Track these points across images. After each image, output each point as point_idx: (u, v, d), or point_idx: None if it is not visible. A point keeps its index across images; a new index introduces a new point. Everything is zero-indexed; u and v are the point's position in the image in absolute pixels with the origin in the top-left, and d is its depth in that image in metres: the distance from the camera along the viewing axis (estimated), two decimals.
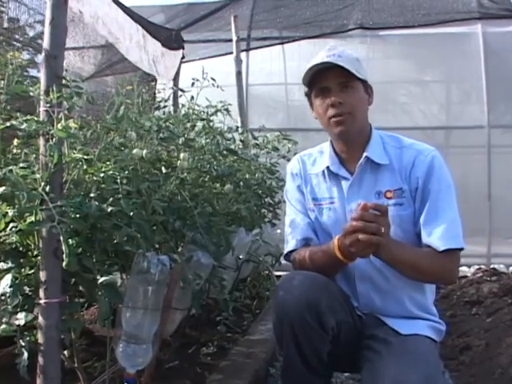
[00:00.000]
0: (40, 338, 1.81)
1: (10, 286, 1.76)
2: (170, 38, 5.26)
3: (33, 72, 3.42)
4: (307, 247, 2.16)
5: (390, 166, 2.07)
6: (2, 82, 2.09)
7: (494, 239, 6.14)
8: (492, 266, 5.70)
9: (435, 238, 1.96)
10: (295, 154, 2.40)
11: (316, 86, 2.08)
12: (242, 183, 3.45)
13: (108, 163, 2.08)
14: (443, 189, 2.01)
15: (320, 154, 2.25)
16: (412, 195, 2.04)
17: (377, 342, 1.97)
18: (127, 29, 4.27)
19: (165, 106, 3.04)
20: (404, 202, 2.04)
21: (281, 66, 6.82)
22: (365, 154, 2.08)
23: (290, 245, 2.22)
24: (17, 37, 4.36)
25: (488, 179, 6.11)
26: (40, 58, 1.84)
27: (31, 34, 4.30)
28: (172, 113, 3.25)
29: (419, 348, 1.91)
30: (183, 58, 5.54)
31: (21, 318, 1.84)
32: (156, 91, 4.07)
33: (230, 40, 5.57)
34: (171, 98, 3.48)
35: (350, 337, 2.02)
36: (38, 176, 1.77)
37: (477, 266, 5.67)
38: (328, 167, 2.16)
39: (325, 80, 2.04)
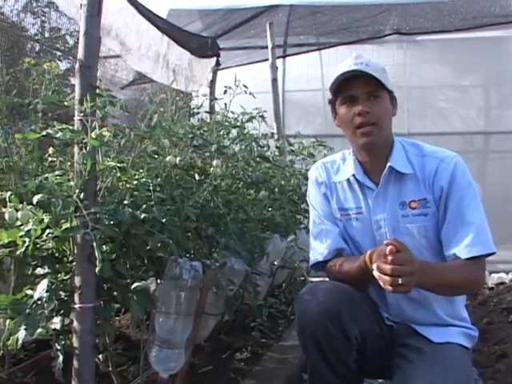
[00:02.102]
0: (75, 341, 1.84)
1: (47, 291, 1.80)
2: (206, 46, 5.31)
3: (74, 81, 3.50)
4: (340, 258, 2.12)
5: (414, 175, 2.03)
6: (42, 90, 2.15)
7: None
8: None
9: (461, 246, 1.92)
10: None
11: (342, 93, 2.04)
12: (276, 189, 3.47)
13: (141, 171, 2.12)
14: (467, 195, 1.96)
15: (343, 161, 2.21)
16: (436, 204, 2.00)
17: (409, 351, 1.95)
18: (148, 38, 4.31)
19: (198, 113, 3.06)
20: (429, 212, 2.00)
21: (318, 72, 6.83)
22: (388, 164, 2.04)
23: (319, 254, 2.17)
24: (58, 46, 4.46)
25: None
26: None
27: (71, 42, 4.40)
28: (208, 120, 3.29)
29: (451, 356, 1.89)
30: (219, 65, 5.58)
31: (56, 323, 1.88)
32: (191, 98, 4.11)
33: (267, 47, 5.58)
34: (206, 104, 3.50)
35: (377, 347, 2.00)
36: (72, 183, 1.81)
37: None
38: (354, 175, 2.12)
39: (352, 88, 2.00)
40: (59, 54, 4.53)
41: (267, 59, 5.55)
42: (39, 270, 1.91)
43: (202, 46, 5.24)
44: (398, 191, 2.05)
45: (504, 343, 3.36)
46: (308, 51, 6.76)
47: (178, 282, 2.09)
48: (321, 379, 1.96)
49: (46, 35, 4.39)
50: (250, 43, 6.67)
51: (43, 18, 4.25)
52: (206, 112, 3.57)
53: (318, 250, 2.17)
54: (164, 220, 1.98)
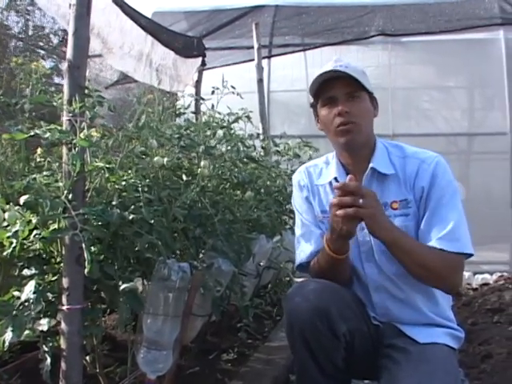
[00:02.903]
0: (62, 343, 1.83)
1: (34, 293, 1.78)
2: (192, 46, 5.29)
3: (58, 79, 3.47)
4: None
5: (396, 176, 2.05)
6: (27, 90, 2.13)
7: None
8: None
9: (433, 240, 1.93)
10: None
11: (322, 95, 2.06)
12: (262, 190, 3.47)
13: (129, 171, 2.11)
14: (446, 195, 1.98)
15: (326, 165, 2.23)
16: (417, 205, 2.02)
17: (395, 351, 1.96)
18: (132, 37, 4.28)
19: (184, 113, 3.05)
20: (410, 212, 2.02)
21: (302, 73, 6.83)
22: (370, 165, 2.06)
23: (303, 256, 2.20)
24: (41, 44, 4.43)
25: (511, 186, 6.06)
26: (64, 65, 1.86)
27: (55, 41, 4.37)
28: (194, 120, 3.28)
29: (437, 357, 1.90)
30: (205, 64, 5.57)
31: (44, 324, 1.86)
32: (177, 98, 4.10)
33: (252, 47, 5.59)
34: (192, 105, 3.49)
35: (365, 345, 2.01)
36: (60, 184, 1.80)
37: (499, 273, 5.58)
38: (336, 178, 2.13)
39: (332, 89, 2.02)
40: (43, 52, 4.50)
41: (253, 59, 5.55)
42: (26, 271, 1.89)
43: (187, 45, 5.22)
44: (380, 192, 2.04)
45: (489, 344, 3.38)
46: (293, 52, 6.77)
47: (167, 283, 2.08)
48: (308, 379, 1.96)
49: (30, 33, 4.35)
50: (236, 43, 6.67)
51: (27, 17, 4.22)
52: (192, 112, 3.56)
53: (303, 253, 2.20)
54: (152, 221, 1.98)
